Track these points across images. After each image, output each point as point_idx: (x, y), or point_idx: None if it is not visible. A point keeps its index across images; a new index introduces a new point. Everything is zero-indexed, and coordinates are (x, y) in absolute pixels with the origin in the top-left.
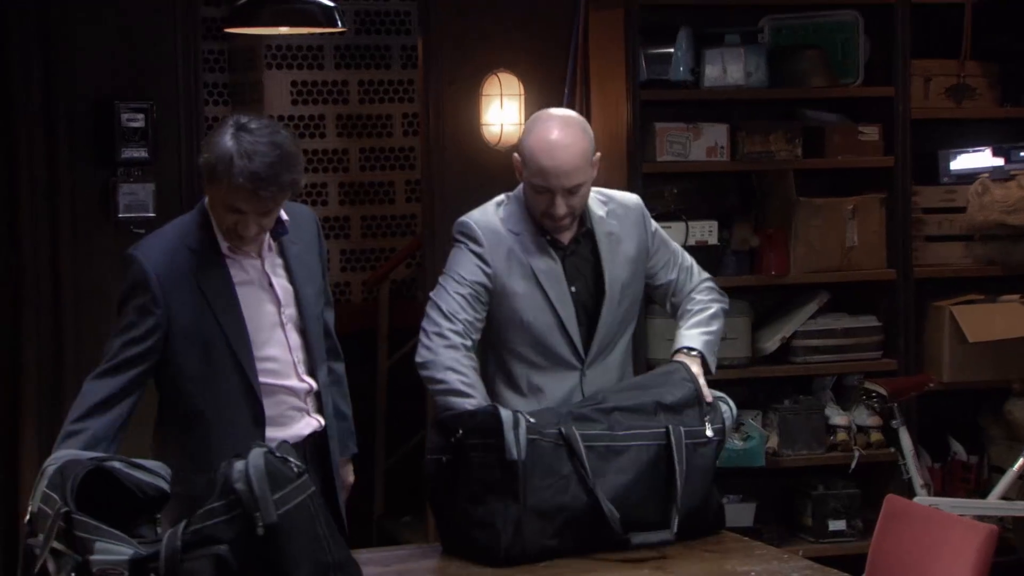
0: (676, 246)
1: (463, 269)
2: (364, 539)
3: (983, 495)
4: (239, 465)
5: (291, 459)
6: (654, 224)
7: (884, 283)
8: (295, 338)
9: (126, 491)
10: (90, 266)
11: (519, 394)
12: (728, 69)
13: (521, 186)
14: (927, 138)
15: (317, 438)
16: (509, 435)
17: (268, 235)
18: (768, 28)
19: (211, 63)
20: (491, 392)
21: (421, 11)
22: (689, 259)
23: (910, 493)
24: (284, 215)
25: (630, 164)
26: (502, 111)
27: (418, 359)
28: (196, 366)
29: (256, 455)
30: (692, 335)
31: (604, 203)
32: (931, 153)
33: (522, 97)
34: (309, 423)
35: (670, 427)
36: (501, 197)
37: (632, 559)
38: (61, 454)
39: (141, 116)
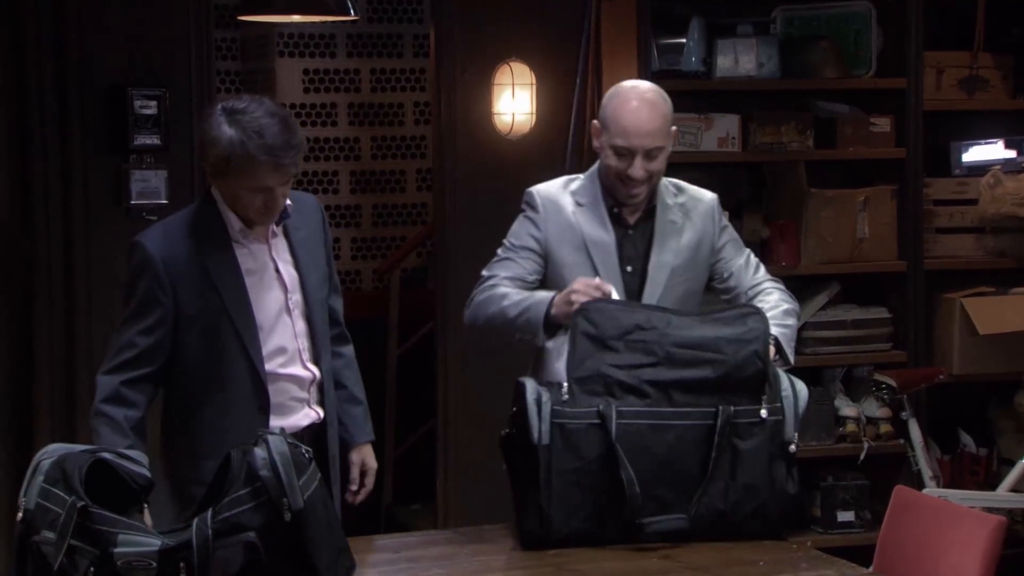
0: (747, 250)
1: (515, 236)
2: (373, 527)
3: (992, 487)
4: (260, 452)
5: (300, 445)
6: (726, 222)
7: (895, 275)
8: (301, 325)
9: (117, 481)
10: (102, 253)
11: (562, 363)
12: (740, 60)
13: (595, 166)
14: (939, 130)
15: (315, 429)
16: (533, 416)
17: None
18: (780, 19)
19: (224, 51)
20: (539, 360)
21: (434, 0)
22: (757, 261)
23: (919, 485)
24: (288, 200)
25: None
26: (514, 100)
27: (466, 317)
28: (203, 352)
29: (278, 441)
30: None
31: (676, 194)
32: (943, 145)
33: (534, 86)
34: (308, 414)
35: (720, 408)
36: (575, 175)
37: (643, 548)
38: (53, 448)
39: (154, 103)
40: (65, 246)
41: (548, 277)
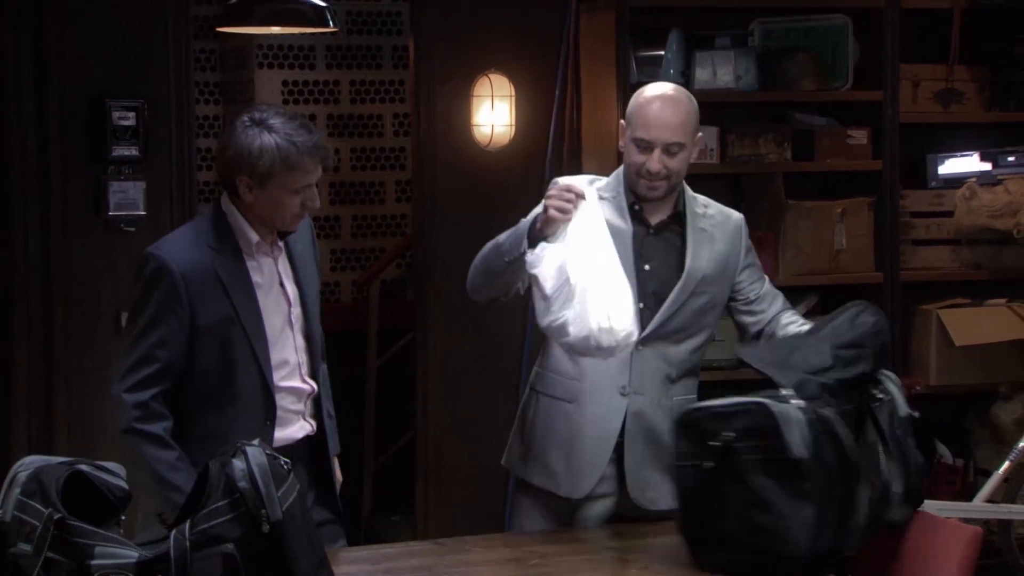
0: (766, 277)
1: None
2: (353, 538)
3: (969, 498)
4: (239, 463)
5: (279, 456)
6: (750, 245)
7: (872, 286)
8: (300, 340)
9: (95, 493)
10: (81, 263)
11: (571, 357)
12: (718, 72)
13: (621, 167)
14: (915, 142)
15: (310, 441)
16: (793, 433)
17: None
18: (758, 31)
19: (203, 62)
20: (545, 353)
21: (413, 12)
22: (777, 291)
23: None
24: None
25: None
26: (493, 112)
27: (467, 283)
28: (215, 363)
29: (256, 453)
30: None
31: (705, 206)
32: (919, 157)
33: (513, 98)
34: (303, 427)
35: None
36: (599, 176)
37: (622, 558)
38: (29, 460)
39: (132, 114)
40: (43, 257)
41: None
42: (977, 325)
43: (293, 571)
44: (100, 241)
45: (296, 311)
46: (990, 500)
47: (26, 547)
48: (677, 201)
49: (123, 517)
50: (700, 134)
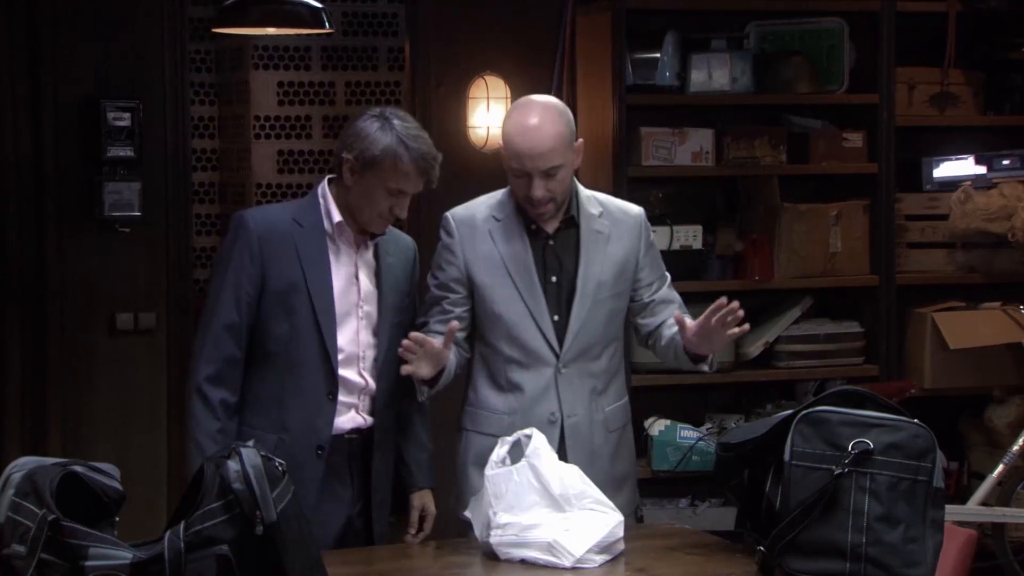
0: (668, 276)
1: (437, 269)
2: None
3: (963, 501)
4: (233, 465)
5: (273, 457)
6: (653, 240)
7: (867, 289)
8: (366, 335)
9: (88, 494)
10: (75, 264)
11: (499, 390)
12: (714, 74)
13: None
14: (911, 145)
15: (362, 435)
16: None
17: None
18: (754, 34)
19: (198, 63)
20: (473, 389)
21: (408, 13)
22: (677, 297)
23: None
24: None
25: (616, 168)
26: (488, 114)
27: None
28: (282, 330)
29: (251, 454)
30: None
31: (600, 204)
32: (914, 160)
33: (508, 100)
34: (354, 419)
35: None
36: (502, 190)
37: (613, 560)
38: (23, 461)
39: (127, 115)
40: (38, 257)
41: (476, 301)
42: (971, 328)
43: (287, 573)
44: (95, 242)
45: (367, 307)
46: (984, 503)
47: (20, 548)
48: (570, 205)
49: (117, 518)
50: (579, 140)
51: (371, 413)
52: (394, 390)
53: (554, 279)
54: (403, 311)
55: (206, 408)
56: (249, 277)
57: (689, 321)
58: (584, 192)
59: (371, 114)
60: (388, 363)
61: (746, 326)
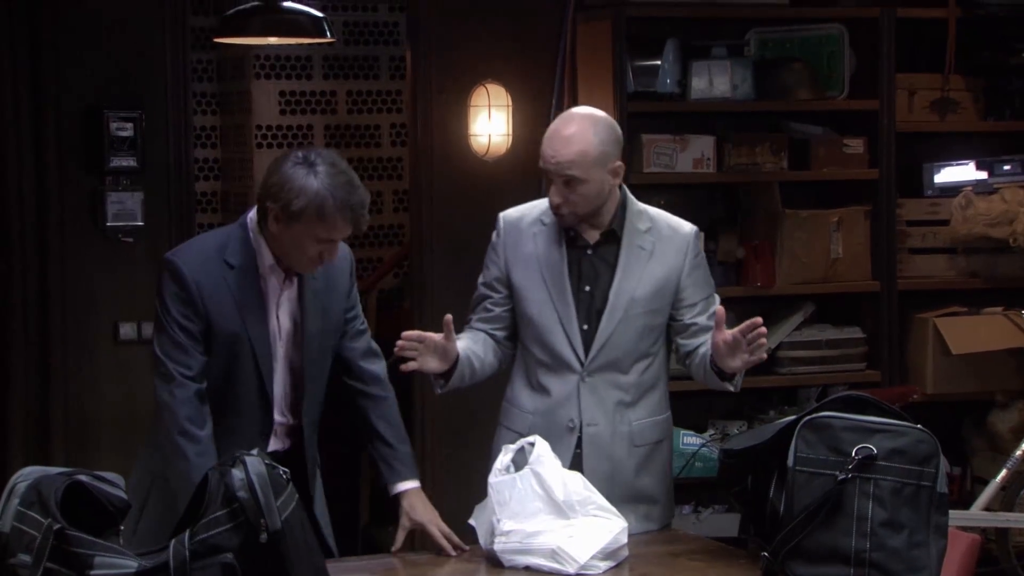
0: (716, 297)
1: (485, 267)
2: (350, 548)
3: (966, 506)
4: (238, 473)
5: (278, 466)
6: (701, 262)
7: (868, 295)
8: (282, 373)
9: (93, 504)
10: (78, 274)
11: (531, 389)
12: (714, 81)
13: None
14: (911, 151)
15: (280, 456)
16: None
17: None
18: (754, 41)
19: (200, 72)
20: (511, 386)
21: (409, 22)
22: (722, 319)
23: None
24: None
25: None
26: (490, 122)
27: None
28: (219, 374)
29: (255, 463)
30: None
31: (650, 220)
32: (915, 166)
33: (510, 108)
34: (273, 443)
35: None
36: None
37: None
38: (28, 470)
39: (130, 125)
40: (41, 267)
41: (513, 300)
42: (974, 333)
43: None
44: (98, 252)
45: (282, 346)
46: (987, 508)
47: (26, 558)
48: (613, 218)
49: (122, 527)
50: (618, 163)
51: (287, 436)
52: (313, 416)
53: (587, 288)
54: (333, 332)
55: (195, 446)
56: (195, 328)
57: (726, 332)
58: (636, 207)
59: (295, 160)
60: (312, 390)
61: (763, 354)
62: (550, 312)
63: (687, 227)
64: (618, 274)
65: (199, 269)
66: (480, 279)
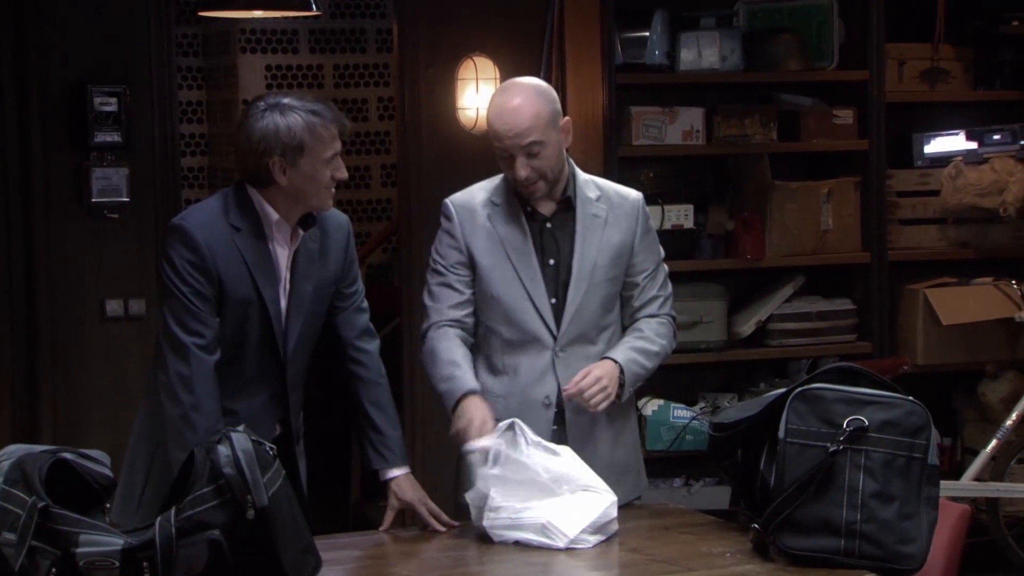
0: (664, 268)
1: (438, 252)
2: (340, 524)
3: (957, 477)
4: (224, 450)
5: (265, 442)
6: (651, 227)
7: (859, 266)
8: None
9: (78, 481)
10: (63, 250)
11: (494, 373)
12: (703, 53)
13: None
14: (901, 122)
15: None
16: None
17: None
18: (743, 12)
19: (185, 47)
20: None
21: None
22: (669, 288)
23: None
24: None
25: (606, 148)
26: (478, 95)
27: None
28: (231, 332)
29: (242, 439)
30: (623, 352)
31: (598, 188)
32: (905, 137)
33: (497, 81)
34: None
35: None
36: (499, 175)
37: (610, 539)
38: (12, 448)
39: (114, 100)
40: (26, 244)
41: (476, 283)
42: (964, 304)
43: (279, 557)
44: (83, 228)
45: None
46: (978, 479)
47: (10, 536)
48: (566, 187)
49: (108, 505)
50: (565, 118)
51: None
52: (297, 376)
53: (552, 262)
54: (323, 299)
55: (204, 419)
56: (209, 293)
57: (571, 382)
58: (582, 176)
59: (261, 110)
60: (297, 352)
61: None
62: (518, 290)
63: (634, 194)
64: (577, 243)
65: (209, 234)
66: (435, 269)
